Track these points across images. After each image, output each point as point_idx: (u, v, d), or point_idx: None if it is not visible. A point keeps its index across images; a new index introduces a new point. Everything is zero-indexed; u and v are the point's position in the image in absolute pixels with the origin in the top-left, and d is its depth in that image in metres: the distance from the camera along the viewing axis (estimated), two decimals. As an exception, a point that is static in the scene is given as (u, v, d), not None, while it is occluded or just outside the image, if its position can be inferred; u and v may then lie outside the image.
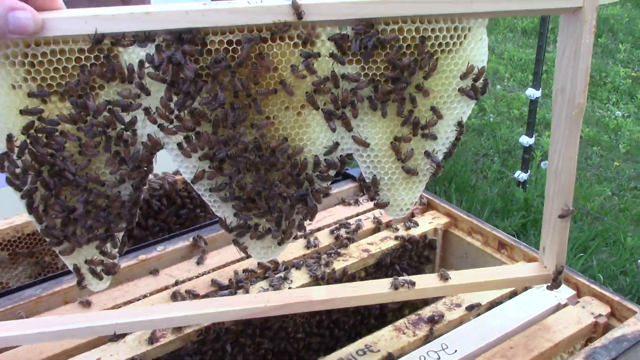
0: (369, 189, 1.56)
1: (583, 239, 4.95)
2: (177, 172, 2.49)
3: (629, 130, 6.87)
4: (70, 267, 1.49)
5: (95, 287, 1.53)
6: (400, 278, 1.65)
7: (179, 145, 1.39)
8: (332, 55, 1.36)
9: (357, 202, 2.38)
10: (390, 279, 1.65)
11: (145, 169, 1.41)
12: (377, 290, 1.64)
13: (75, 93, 1.28)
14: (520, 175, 5.79)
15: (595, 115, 7.27)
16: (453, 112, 1.49)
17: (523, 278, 1.72)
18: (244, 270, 1.97)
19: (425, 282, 1.68)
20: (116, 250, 1.50)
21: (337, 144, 1.47)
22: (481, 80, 1.45)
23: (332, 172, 1.50)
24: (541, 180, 5.90)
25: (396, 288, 1.63)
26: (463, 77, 1.43)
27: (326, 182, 1.52)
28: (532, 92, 5.59)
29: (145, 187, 1.45)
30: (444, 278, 1.66)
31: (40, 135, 1.30)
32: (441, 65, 1.42)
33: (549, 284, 1.71)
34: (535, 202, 5.49)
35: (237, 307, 1.57)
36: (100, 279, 1.52)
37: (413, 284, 1.64)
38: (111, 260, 1.50)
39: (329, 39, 1.35)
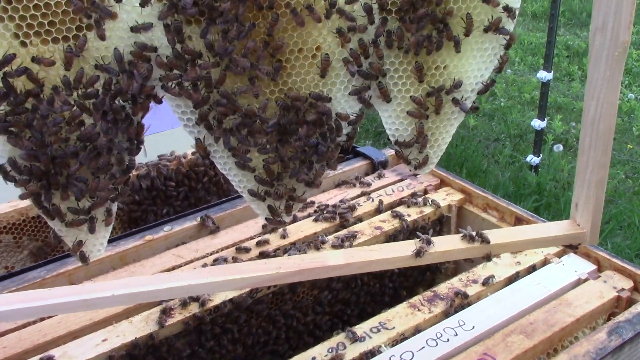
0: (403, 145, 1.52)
1: (597, 222, 4.87)
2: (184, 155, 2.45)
3: (642, 112, 6.77)
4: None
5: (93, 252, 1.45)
6: (422, 237, 1.53)
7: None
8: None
9: (364, 182, 2.32)
10: (414, 240, 1.50)
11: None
12: (400, 252, 1.48)
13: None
14: (533, 159, 5.70)
15: (607, 98, 7.16)
16: (484, 55, 1.42)
17: (554, 237, 1.58)
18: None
19: (450, 244, 1.55)
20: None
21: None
22: (507, 18, 1.37)
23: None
24: (553, 164, 5.81)
25: (419, 253, 1.48)
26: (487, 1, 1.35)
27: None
28: (544, 75, 5.49)
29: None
30: (471, 238, 1.53)
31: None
32: (472, 1, 1.35)
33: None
34: (547, 186, 5.41)
35: (246, 275, 1.40)
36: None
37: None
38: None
39: None
